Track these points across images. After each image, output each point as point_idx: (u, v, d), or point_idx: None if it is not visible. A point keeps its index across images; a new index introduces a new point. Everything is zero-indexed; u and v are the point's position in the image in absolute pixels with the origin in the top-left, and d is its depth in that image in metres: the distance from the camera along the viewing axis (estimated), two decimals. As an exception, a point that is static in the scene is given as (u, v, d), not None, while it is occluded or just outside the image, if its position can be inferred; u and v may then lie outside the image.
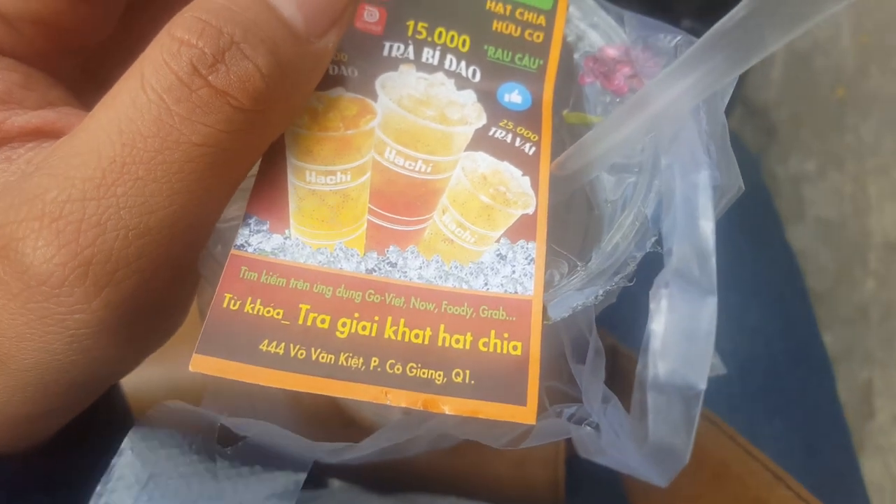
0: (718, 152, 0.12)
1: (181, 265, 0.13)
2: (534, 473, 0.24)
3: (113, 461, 0.12)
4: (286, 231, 0.13)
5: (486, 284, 0.13)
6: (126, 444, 0.13)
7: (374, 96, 0.15)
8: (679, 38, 0.14)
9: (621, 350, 0.24)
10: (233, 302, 0.12)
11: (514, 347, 0.13)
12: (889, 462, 0.67)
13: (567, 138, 0.16)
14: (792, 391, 0.34)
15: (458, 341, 0.13)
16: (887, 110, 0.81)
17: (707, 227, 0.11)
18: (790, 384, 0.34)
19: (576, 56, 0.17)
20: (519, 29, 0.16)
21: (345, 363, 0.12)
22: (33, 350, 0.12)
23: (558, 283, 0.14)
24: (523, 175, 0.15)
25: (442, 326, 0.13)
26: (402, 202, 0.14)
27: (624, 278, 0.13)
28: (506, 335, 0.13)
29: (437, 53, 0.16)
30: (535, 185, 0.15)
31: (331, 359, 0.12)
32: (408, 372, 0.12)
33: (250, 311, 0.12)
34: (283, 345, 0.12)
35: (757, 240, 0.37)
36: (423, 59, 0.16)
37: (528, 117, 0.15)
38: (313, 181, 0.14)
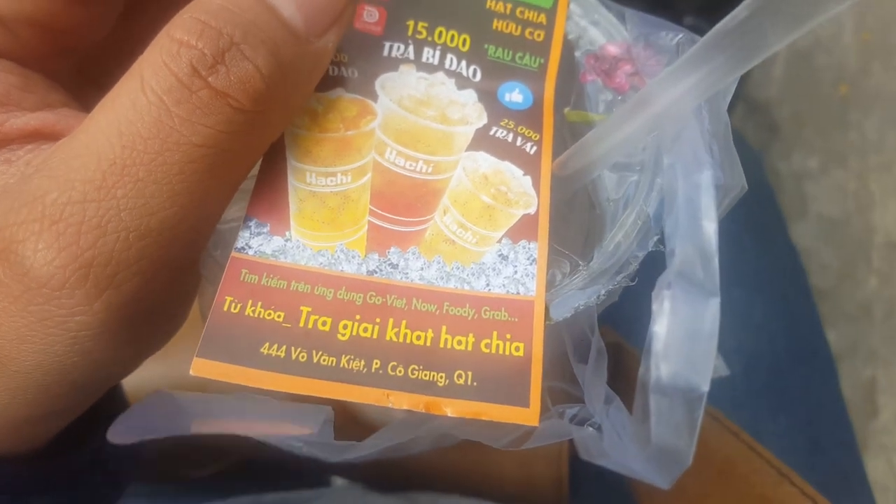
0: (721, 152, 0.12)
1: (182, 266, 0.13)
2: (537, 471, 0.24)
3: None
4: (287, 233, 0.13)
5: (487, 285, 0.13)
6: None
7: (374, 97, 0.15)
8: (681, 35, 0.14)
9: (626, 347, 0.24)
10: (233, 305, 0.12)
11: (517, 348, 0.13)
12: (893, 461, 0.66)
13: (568, 137, 0.16)
14: (796, 388, 0.33)
15: (460, 343, 0.13)
16: (890, 107, 0.81)
17: (710, 227, 0.11)
18: (794, 381, 0.34)
19: (577, 54, 0.17)
20: (519, 28, 0.16)
21: (346, 366, 0.12)
22: (34, 352, 0.12)
23: (560, 282, 0.14)
24: (525, 175, 0.15)
25: (444, 328, 0.13)
26: (403, 203, 0.14)
27: (626, 277, 0.13)
28: (508, 336, 0.13)
29: (438, 53, 0.16)
30: (536, 184, 0.14)
31: (332, 361, 0.12)
32: (410, 374, 0.12)
33: (251, 315, 0.12)
34: (284, 348, 0.12)
35: (760, 237, 0.37)
36: (424, 59, 0.16)
37: (529, 116, 0.15)
38: (314, 183, 0.14)
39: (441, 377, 0.12)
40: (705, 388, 0.10)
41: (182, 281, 0.13)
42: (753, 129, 0.82)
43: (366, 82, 0.15)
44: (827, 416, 0.35)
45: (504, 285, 0.13)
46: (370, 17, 0.16)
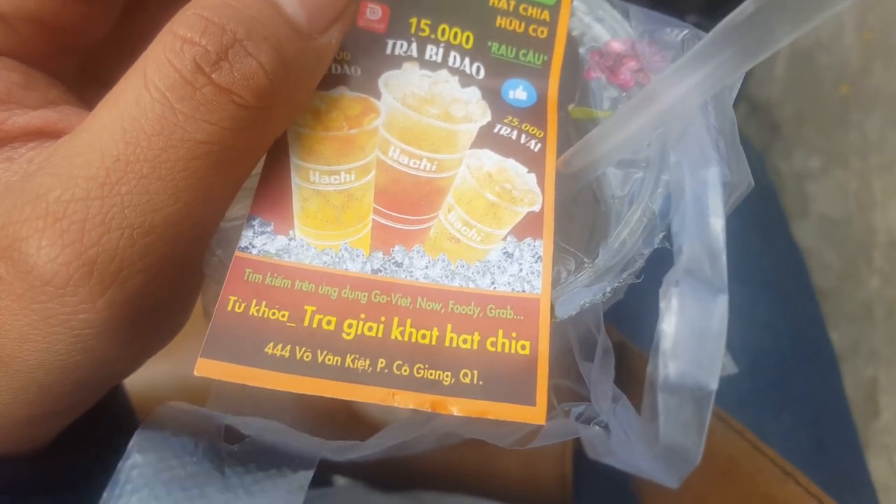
0: (727, 148, 0.12)
1: (186, 264, 0.13)
2: (542, 469, 0.24)
3: (119, 465, 0.12)
4: (290, 232, 0.13)
5: (493, 283, 0.13)
6: (132, 446, 0.13)
7: (377, 95, 0.15)
8: (686, 31, 0.14)
9: (630, 347, 0.24)
10: (237, 304, 0.12)
11: (523, 347, 0.13)
12: (894, 460, 0.66)
13: (573, 133, 0.16)
14: (800, 387, 0.33)
15: (465, 341, 0.13)
16: (891, 107, 0.81)
17: (717, 224, 0.11)
18: (798, 380, 0.34)
19: (581, 50, 0.17)
20: (523, 25, 0.16)
21: (351, 365, 0.12)
22: (37, 351, 0.12)
23: (565, 280, 0.14)
24: (529, 172, 0.14)
25: (449, 326, 0.13)
26: (407, 201, 0.14)
27: (632, 275, 0.13)
28: (514, 334, 0.13)
29: (441, 51, 0.16)
30: (541, 181, 0.14)
31: (337, 361, 0.12)
32: (415, 373, 0.12)
33: (255, 314, 0.12)
34: (288, 347, 0.12)
35: (763, 236, 0.37)
36: (427, 57, 0.16)
37: (534, 113, 0.15)
38: (317, 181, 0.14)
39: (447, 376, 0.12)
40: (714, 386, 0.10)
41: (186, 279, 0.13)
42: (755, 128, 0.81)
43: (369, 80, 0.15)
44: (830, 415, 0.35)
45: (509, 283, 0.13)
46: (373, 14, 0.16)
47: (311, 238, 0.13)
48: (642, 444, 0.11)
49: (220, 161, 0.12)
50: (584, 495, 0.25)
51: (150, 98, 0.11)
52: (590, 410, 0.13)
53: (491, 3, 0.16)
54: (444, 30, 0.16)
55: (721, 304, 0.10)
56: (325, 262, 0.13)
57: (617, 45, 0.16)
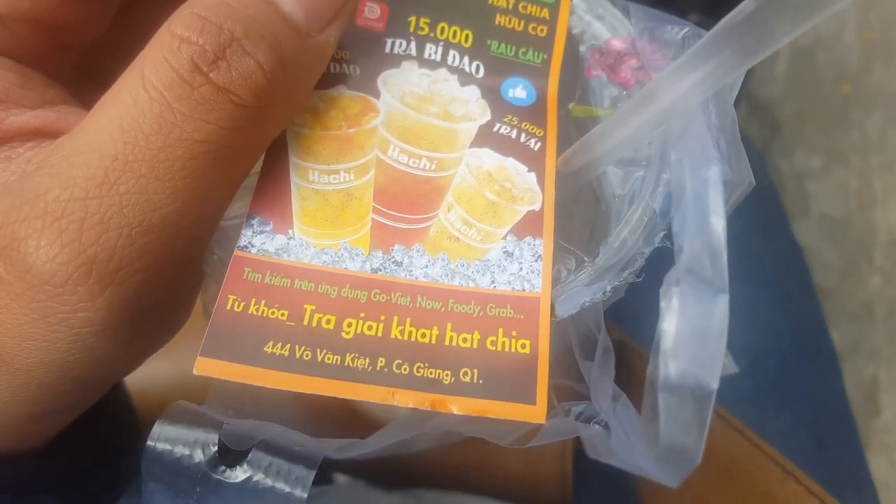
0: (728, 146, 0.12)
1: (185, 263, 0.13)
2: (542, 467, 0.24)
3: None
4: (290, 231, 0.13)
5: (492, 282, 0.13)
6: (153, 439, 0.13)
7: (376, 94, 0.15)
8: (686, 29, 0.14)
9: (630, 345, 0.24)
10: (237, 304, 0.12)
11: (523, 346, 0.13)
12: (895, 459, 0.66)
13: (573, 132, 0.16)
14: (800, 386, 0.33)
15: (465, 340, 0.13)
16: (892, 106, 0.80)
17: (718, 224, 0.11)
18: (799, 379, 0.34)
19: (581, 48, 0.17)
20: (522, 23, 0.16)
21: (351, 364, 0.12)
22: (36, 349, 0.12)
23: (565, 279, 0.14)
24: (529, 171, 0.14)
25: (449, 325, 0.13)
26: (407, 200, 0.14)
27: (632, 273, 0.13)
28: (514, 333, 0.13)
29: (440, 49, 0.16)
30: (541, 180, 0.14)
31: (337, 360, 0.12)
32: (415, 372, 0.12)
33: (254, 313, 0.12)
34: (288, 346, 0.12)
35: (764, 235, 0.37)
36: (426, 56, 0.16)
37: (533, 112, 0.15)
38: (316, 180, 0.14)
39: (447, 375, 0.12)
40: (715, 385, 0.10)
41: (185, 277, 0.13)
42: (756, 127, 0.81)
43: (368, 79, 0.15)
44: (831, 414, 0.35)
45: (509, 282, 0.13)
46: (372, 13, 0.16)
47: (311, 237, 0.13)
48: (642, 443, 0.11)
49: (219, 160, 0.12)
50: (584, 494, 0.25)
51: (148, 97, 0.11)
52: (590, 409, 0.13)
53: (490, 2, 0.16)
54: (443, 28, 0.16)
55: (722, 304, 0.10)
56: (325, 261, 0.13)
57: (617, 44, 0.16)
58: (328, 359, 0.12)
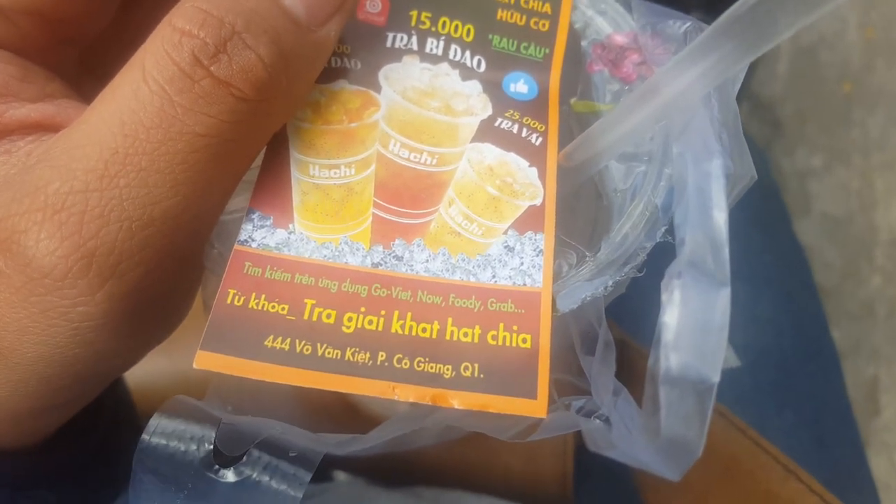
0: (731, 140, 0.12)
1: (185, 256, 0.13)
2: (542, 465, 0.24)
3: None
4: (290, 226, 0.13)
5: (493, 277, 0.13)
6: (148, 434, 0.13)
7: (377, 88, 0.15)
8: (688, 24, 0.14)
9: (631, 344, 0.24)
10: (237, 298, 0.12)
11: (524, 340, 0.13)
12: (895, 458, 0.66)
13: (575, 127, 0.16)
14: (802, 385, 0.33)
15: (466, 335, 0.13)
16: (893, 105, 0.80)
17: (720, 217, 0.11)
18: (800, 378, 0.34)
19: (583, 43, 0.16)
20: (524, 17, 0.16)
21: (351, 358, 0.12)
22: (36, 344, 0.12)
23: (567, 273, 0.14)
24: (530, 166, 0.14)
25: (450, 320, 0.13)
26: (408, 195, 0.14)
27: (634, 268, 0.13)
28: (515, 328, 0.13)
29: (442, 44, 0.16)
30: (542, 175, 0.14)
31: (337, 354, 0.12)
32: (416, 366, 0.12)
33: (255, 307, 0.12)
34: (288, 340, 0.12)
35: (765, 233, 0.37)
36: (427, 50, 0.15)
37: (535, 107, 0.15)
38: (317, 175, 0.14)
39: (447, 369, 0.12)
40: (716, 378, 0.10)
41: (185, 272, 0.13)
42: (757, 126, 0.81)
43: (369, 74, 0.15)
44: (832, 413, 0.35)
45: (510, 277, 0.13)
46: (373, 7, 0.16)
47: (311, 231, 0.13)
48: (643, 436, 0.11)
49: (220, 154, 0.12)
50: (584, 493, 0.25)
51: (149, 91, 0.11)
52: (591, 404, 0.13)
53: None
54: (444, 23, 0.16)
55: (723, 297, 0.10)
56: (325, 256, 0.13)
57: (619, 38, 0.16)
58: (328, 353, 0.12)
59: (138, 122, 0.11)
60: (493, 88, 0.15)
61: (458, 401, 0.12)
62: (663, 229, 0.13)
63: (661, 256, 0.13)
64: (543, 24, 0.16)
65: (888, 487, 0.65)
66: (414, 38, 0.16)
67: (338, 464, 0.24)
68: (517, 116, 0.15)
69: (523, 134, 0.15)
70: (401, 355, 0.12)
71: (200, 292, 0.15)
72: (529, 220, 0.14)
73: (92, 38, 0.15)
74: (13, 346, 0.12)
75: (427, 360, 0.12)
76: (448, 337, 0.12)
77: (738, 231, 0.36)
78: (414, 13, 0.16)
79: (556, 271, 0.14)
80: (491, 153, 0.15)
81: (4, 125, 0.12)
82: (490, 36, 0.16)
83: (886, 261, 0.74)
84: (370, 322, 0.12)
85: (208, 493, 0.12)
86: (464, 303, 0.13)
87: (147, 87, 0.11)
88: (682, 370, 0.10)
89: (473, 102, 0.15)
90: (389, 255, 0.13)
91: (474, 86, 0.15)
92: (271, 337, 0.12)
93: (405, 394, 0.12)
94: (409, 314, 0.13)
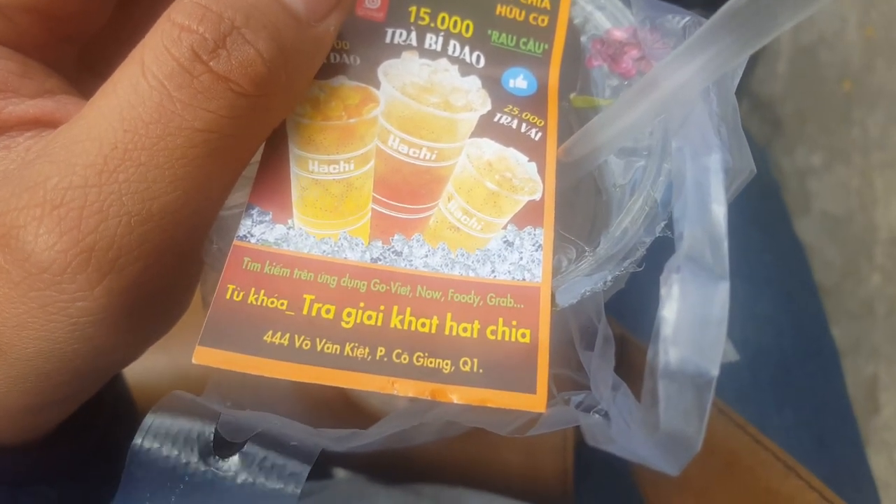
0: (730, 134, 0.12)
1: (184, 252, 0.13)
2: (542, 461, 0.24)
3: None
4: (289, 221, 0.13)
5: (493, 272, 0.13)
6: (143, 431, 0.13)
7: (376, 84, 0.15)
8: (687, 18, 0.14)
9: (631, 340, 0.24)
10: (236, 293, 0.12)
11: (523, 335, 0.13)
12: (894, 457, 0.66)
13: (575, 122, 0.16)
14: (802, 384, 0.33)
15: (465, 329, 0.13)
16: (893, 104, 0.80)
17: (719, 211, 0.11)
18: (800, 376, 0.34)
19: (583, 39, 0.16)
20: (523, 13, 0.16)
21: (350, 353, 0.12)
22: (35, 339, 0.12)
23: (566, 268, 0.14)
24: (529, 161, 0.14)
25: (449, 315, 0.13)
26: (407, 190, 0.14)
27: (633, 263, 0.13)
28: (514, 323, 0.13)
29: (441, 39, 0.16)
30: (541, 170, 0.14)
31: (336, 349, 0.12)
32: (415, 361, 0.12)
33: (254, 303, 0.12)
34: (287, 335, 0.12)
35: (766, 232, 0.37)
36: (426, 46, 0.15)
37: (534, 102, 0.15)
38: (316, 170, 0.14)
39: (447, 364, 0.12)
40: (715, 372, 0.10)
41: (184, 267, 0.13)
42: (757, 125, 0.81)
43: (368, 69, 0.15)
44: (831, 411, 0.34)
45: (510, 272, 0.13)
46: (372, 3, 0.16)
47: (310, 227, 0.13)
48: (642, 431, 0.11)
49: (219, 149, 0.12)
50: (584, 489, 0.25)
51: (148, 86, 0.11)
52: (590, 399, 0.13)
53: None
54: (443, 18, 0.16)
55: (722, 291, 0.10)
56: (325, 251, 0.13)
57: (618, 34, 0.16)
58: (328, 348, 0.12)
59: (137, 118, 0.11)
60: (493, 84, 0.15)
61: (457, 395, 0.12)
62: (662, 224, 0.13)
63: (660, 251, 0.13)
64: (542, 20, 0.16)
65: (888, 486, 0.65)
66: (413, 34, 0.16)
67: (338, 460, 0.24)
68: (516, 112, 0.15)
69: (522, 129, 0.15)
70: (400, 350, 0.12)
71: (200, 288, 0.15)
72: (529, 215, 0.14)
73: (91, 34, 0.15)
74: (12, 341, 0.12)
75: (426, 354, 0.12)
76: (447, 332, 0.12)
77: (738, 230, 0.36)
78: (413, 9, 0.16)
79: (555, 266, 0.14)
80: (490, 148, 0.15)
81: (3, 121, 0.12)
82: (489, 31, 0.16)
83: (886, 259, 0.74)
84: (369, 317, 0.12)
85: (205, 489, 0.12)
86: (463, 298, 0.13)
87: (146, 82, 0.11)
88: (680, 364, 0.10)
89: (472, 98, 0.15)
90: (388, 250, 0.13)
91: (473, 81, 0.15)
92: (270, 332, 0.12)
93: (404, 388, 0.12)
94: (409, 309, 0.13)
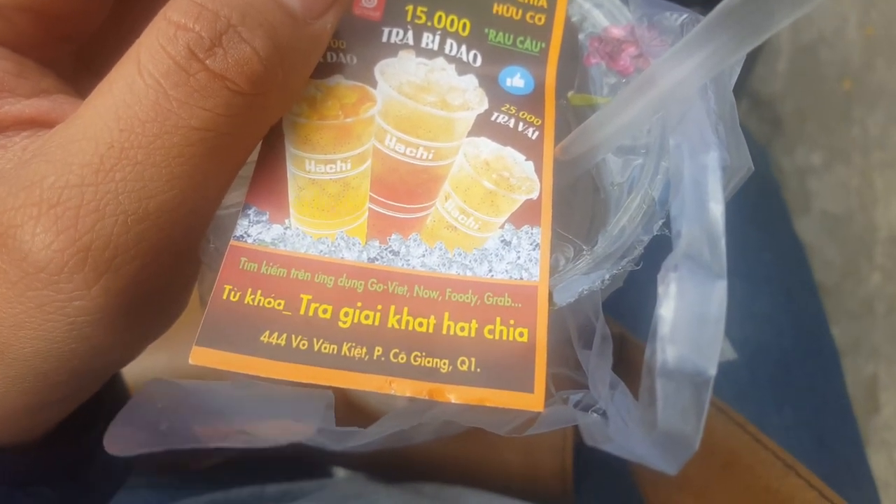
0: (727, 132, 0.12)
1: (181, 251, 0.13)
2: (542, 461, 0.24)
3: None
4: (286, 221, 0.13)
5: (490, 271, 0.13)
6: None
7: (373, 83, 0.15)
8: (685, 16, 0.14)
9: (630, 339, 0.24)
10: (233, 293, 0.12)
11: (521, 334, 0.13)
12: (894, 457, 0.66)
13: (572, 120, 0.16)
14: (802, 383, 0.33)
15: (463, 329, 0.13)
16: (893, 103, 0.80)
17: (716, 209, 0.11)
18: (799, 376, 0.33)
19: (580, 36, 0.16)
20: (520, 11, 0.16)
21: (348, 353, 0.12)
22: (32, 339, 0.12)
23: (564, 267, 0.14)
24: (527, 160, 0.14)
25: (446, 314, 0.13)
26: (404, 190, 0.14)
27: (631, 262, 0.13)
28: (512, 322, 0.13)
29: (437, 38, 0.16)
30: (538, 169, 0.14)
31: (333, 349, 0.12)
32: (412, 361, 0.12)
33: (251, 303, 0.12)
34: (284, 336, 0.12)
35: (765, 231, 0.37)
36: (423, 45, 0.15)
37: (531, 101, 0.15)
38: (313, 170, 0.14)
39: (444, 364, 0.12)
40: (713, 371, 0.10)
41: (182, 266, 0.13)
42: (757, 124, 0.81)
43: (365, 69, 0.15)
44: (831, 411, 0.34)
45: (507, 271, 0.13)
46: (368, 2, 0.16)
47: (307, 227, 0.13)
48: (640, 430, 0.11)
49: (215, 148, 0.12)
50: (584, 489, 0.25)
51: (144, 84, 0.11)
52: (588, 398, 0.13)
53: None
54: (440, 17, 0.16)
55: (720, 289, 0.10)
56: (322, 251, 0.13)
57: (616, 31, 0.16)
58: (325, 348, 0.12)
59: (134, 116, 0.11)
60: (490, 83, 0.15)
61: (454, 395, 0.12)
62: (660, 222, 0.13)
63: (658, 250, 0.13)
64: (539, 18, 0.16)
65: (888, 485, 0.65)
66: (410, 33, 0.16)
67: (337, 460, 0.24)
68: (513, 111, 0.15)
69: (520, 128, 0.15)
70: (397, 350, 0.12)
71: (197, 287, 0.15)
72: (526, 214, 0.14)
73: (88, 34, 0.15)
74: (9, 341, 0.12)
75: (424, 354, 0.12)
76: (445, 331, 0.12)
77: (737, 229, 0.36)
78: (409, 8, 0.16)
79: (552, 265, 0.14)
80: (487, 147, 0.14)
81: (0, 121, 0.12)
82: (486, 30, 0.16)
83: (886, 259, 0.74)
84: (367, 317, 0.12)
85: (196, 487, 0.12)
86: (460, 297, 0.13)
87: (142, 80, 0.11)
88: (678, 363, 0.10)
89: (469, 97, 0.15)
90: (386, 249, 0.13)
91: (470, 80, 0.15)
92: (267, 332, 0.12)
93: (402, 388, 0.12)
94: (406, 309, 0.13)
